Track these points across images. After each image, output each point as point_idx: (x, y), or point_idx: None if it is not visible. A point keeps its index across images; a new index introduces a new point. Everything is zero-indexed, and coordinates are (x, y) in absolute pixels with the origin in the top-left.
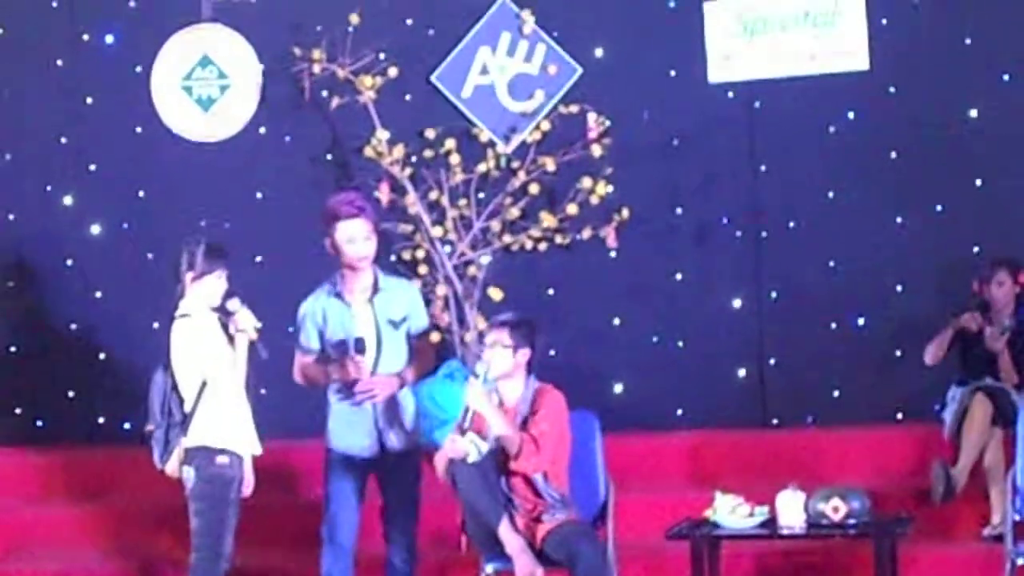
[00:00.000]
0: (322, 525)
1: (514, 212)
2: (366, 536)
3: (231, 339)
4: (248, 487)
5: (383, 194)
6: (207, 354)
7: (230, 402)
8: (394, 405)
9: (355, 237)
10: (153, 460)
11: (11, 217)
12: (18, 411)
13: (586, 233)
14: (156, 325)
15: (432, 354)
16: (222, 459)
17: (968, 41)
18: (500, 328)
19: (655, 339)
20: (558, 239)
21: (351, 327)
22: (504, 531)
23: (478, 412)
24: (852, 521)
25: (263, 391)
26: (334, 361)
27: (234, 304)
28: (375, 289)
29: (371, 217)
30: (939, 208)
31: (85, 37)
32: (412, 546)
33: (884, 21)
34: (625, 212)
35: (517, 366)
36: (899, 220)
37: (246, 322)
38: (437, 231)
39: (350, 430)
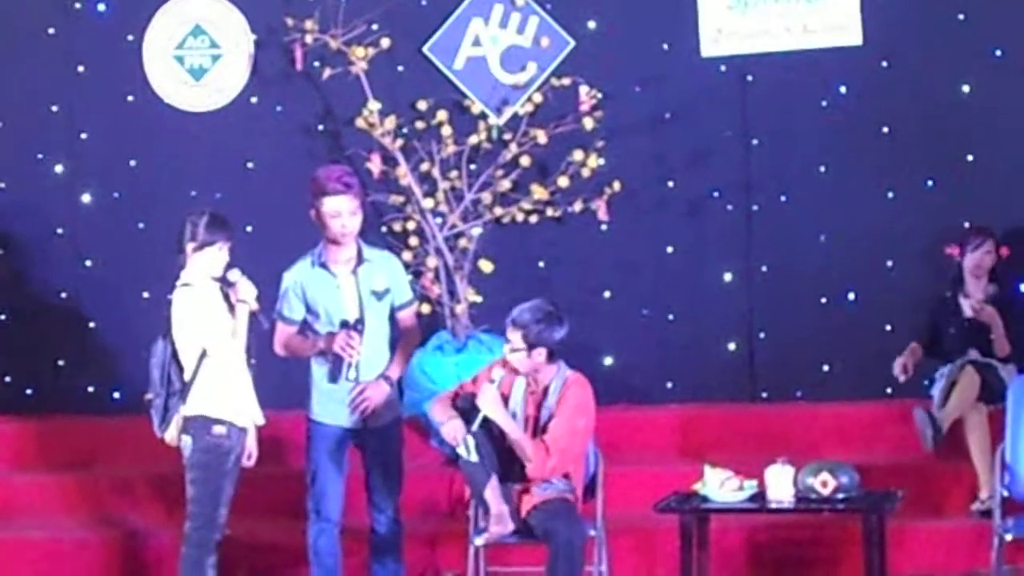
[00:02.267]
0: (308, 499)
1: (505, 184)
2: (351, 508)
3: (232, 309)
4: (251, 458)
5: (374, 165)
6: (207, 324)
7: (230, 372)
8: (375, 381)
9: (341, 212)
10: (151, 428)
11: (1, 185)
12: (7, 379)
13: (577, 206)
14: (146, 294)
15: (418, 330)
16: (219, 429)
17: (961, 16)
18: (514, 329)
19: (645, 312)
20: (549, 212)
21: (336, 297)
22: (489, 493)
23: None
24: (841, 496)
25: (252, 361)
26: (321, 336)
27: (235, 275)
28: (359, 260)
29: (358, 193)
30: (930, 183)
31: (77, 5)
32: (396, 516)
33: None
34: (616, 185)
35: (534, 365)
36: (890, 195)
37: (247, 292)
38: (428, 203)
39: (332, 404)
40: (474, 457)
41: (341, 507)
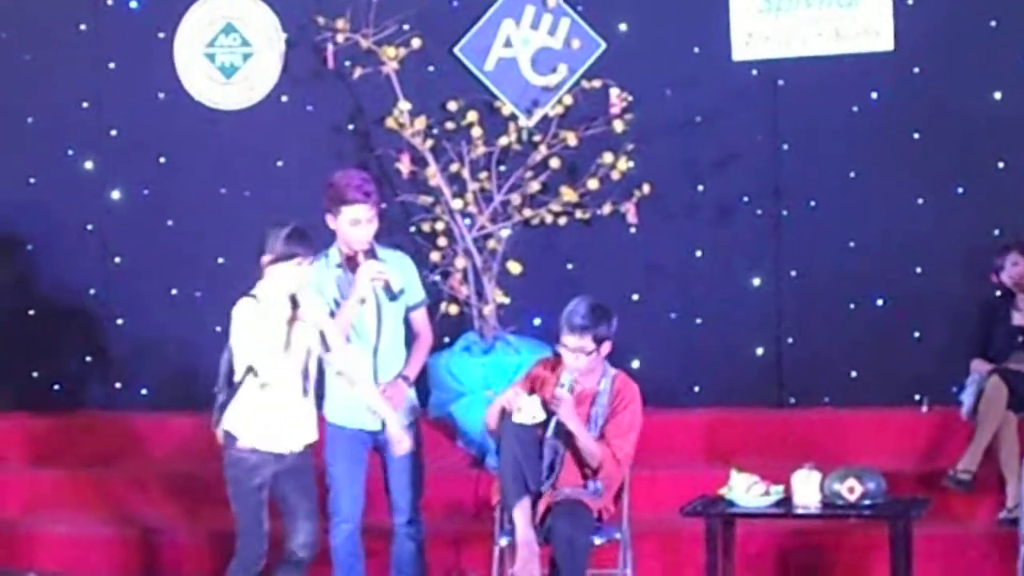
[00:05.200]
0: (328, 501)
1: (535, 186)
2: (372, 507)
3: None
4: (402, 446)
5: (404, 165)
6: (256, 340)
7: (272, 395)
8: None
9: (360, 220)
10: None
11: (32, 181)
12: (35, 375)
13: (606, 208)
14: (174, 291)
15: (430, 330)
16: (244, 444)
17: (993, 23)
18: (582, 334)
19: (673, 316)
20: (578, 214)
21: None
22: (518, 516)
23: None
24: (867, 502)
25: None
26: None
27: (303, 294)
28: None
29: (376, 201)
30: (960, 190)
31: (109, 2)
32: (418, 517)
33: (910, 1)
34: (646, 188)
35: (599, 361)
36: (920, 201)
37: (310, 312)
38: (457, 203)
39: (351, 406)
40: (541, 418)
41: (361, 509)
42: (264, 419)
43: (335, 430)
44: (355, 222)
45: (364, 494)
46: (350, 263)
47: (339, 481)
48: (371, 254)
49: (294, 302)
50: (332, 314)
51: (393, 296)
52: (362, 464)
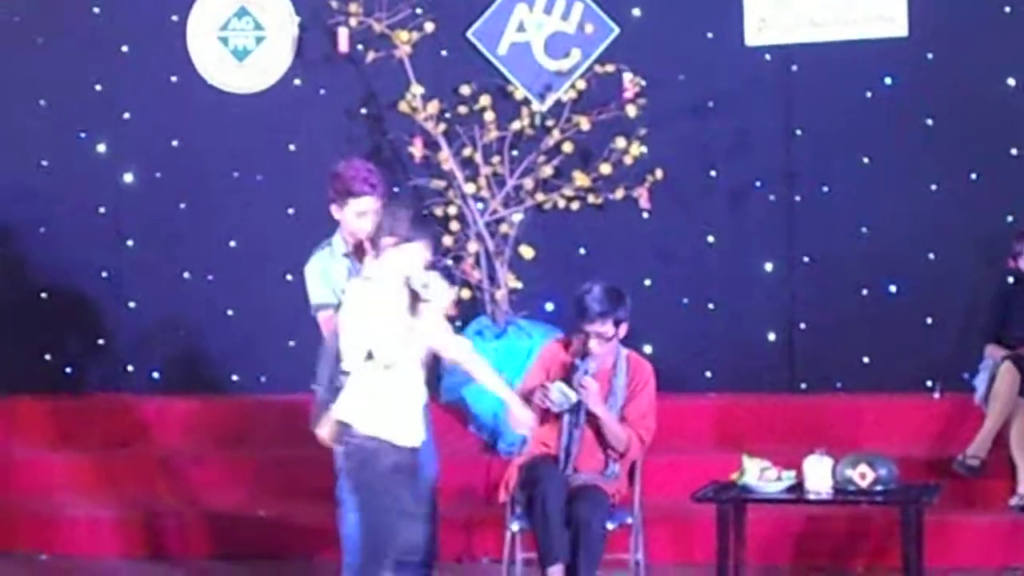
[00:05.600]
0: (337, 488)
1: (547, 171)
2: None
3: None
4: (525, 427)
5: (416, 150)
6: (378, 323)
7: (394, 382)
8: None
9: (365, 212)
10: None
11: (44, 163)
12: (48, 357)
13: (619, 193)
14: (187, 275)
15: None
16: (364, 431)
17: (1007, 9)
18: (603, 320)
19: (686, 301)
20: (591, 199)
21: None
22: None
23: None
24: (879, 488)
25: (291, 343)
26: None
27: (430, 277)
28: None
29: (382, 193)
30: (973, 176)
31: None
32: (433, 502)
33: None
34: (659, 173)
35: (615, 342)
36: (933, 187)
37: (439, 294)
38: (470, 188)
39: None
40: (573, 398)
41: None
42: (385, 405)
43: None
44: (361, 214)
45: None
46: (357, 252)
47: None
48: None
49: (416, 284)
50: (338, 307)
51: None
52: None
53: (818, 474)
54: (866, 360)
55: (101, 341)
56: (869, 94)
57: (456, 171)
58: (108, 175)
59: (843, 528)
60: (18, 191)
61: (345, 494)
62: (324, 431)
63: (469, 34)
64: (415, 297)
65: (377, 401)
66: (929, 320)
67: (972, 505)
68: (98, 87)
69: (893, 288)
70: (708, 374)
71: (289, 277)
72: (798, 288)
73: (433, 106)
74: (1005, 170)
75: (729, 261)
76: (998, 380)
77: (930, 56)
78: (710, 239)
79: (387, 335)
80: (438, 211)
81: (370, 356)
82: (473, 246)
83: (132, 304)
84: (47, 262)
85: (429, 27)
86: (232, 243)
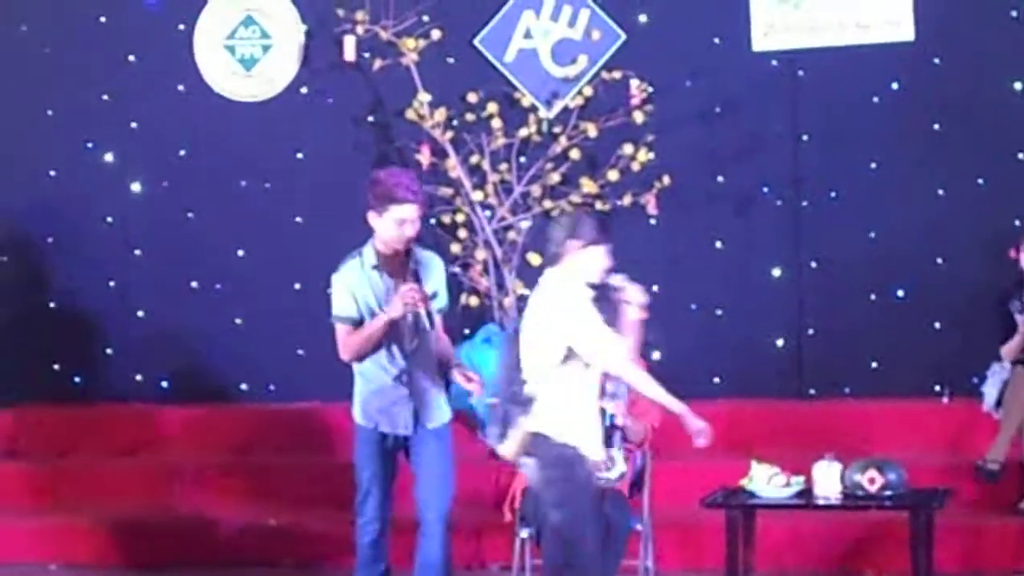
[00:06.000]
0: (359, 503)
1: (555, 177)
2: (400, 498)
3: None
4: (703, 437)
5: (424, 157)
6: (588, 326)
7: (583, 392)
8: (428, 384)
9: (405, 220)
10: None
11: (52, 173)
12: (56, 367)
13: (627, 200)
14: (194, 284)
15: (444, 335)
16: (562, 439)
17: (1014, 14)
18: None
19: (694, 307)
20: (598, 205)
21: (386, 300)
22: None
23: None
24: (888, 493)
25: (299, 352)
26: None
27: (619, 279)
28: (413, 263)
29: (424, 201)
30: (981, 181)
31: None
32: (447, 517)
33: None
34: (666, 179)
35: None
36: (940, 192)
37: (636, 296)
38: (478, 195)
39: (387, 410)
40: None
41: (390, 511)
42: (577, 415)
43: (368, 433)
44: (401, 222)
45: (393, 493)
46: (388, 264)
47: (369, 483)
48: (408, 254)
49: (602, 288)
50: (360, 321)
51: (431, 318)
52: (393, 467)
53: (827, 479)
54: (875, 365)
55: (109, 350)
56: (876, 99)
57: (464, 178)
58: (116, 185)
59: (853, 533)
60: (26, 201)
61: (543, 508)
62: (510, 446)
63: (476, 41)
64: (607, 298)
65: (570, 410)
66: (937, 325)
67: (982, 509)
68: (105, 97)
69: (901, 293)
70: (716, 380)
71: (297, 286)
72: (806, 293)
73: (440, 113)
74: (1013, 174)
75: (737, 267)
76: (1012, 386)
77: (937, 61)
78: (718, 245)
79: (595, 333)
80: (446, 219)
81: (566, 359)
82: (481, 253)
83: (140, 313)
84: (55, 272)
85: (436, 34)
86: (240, 252)
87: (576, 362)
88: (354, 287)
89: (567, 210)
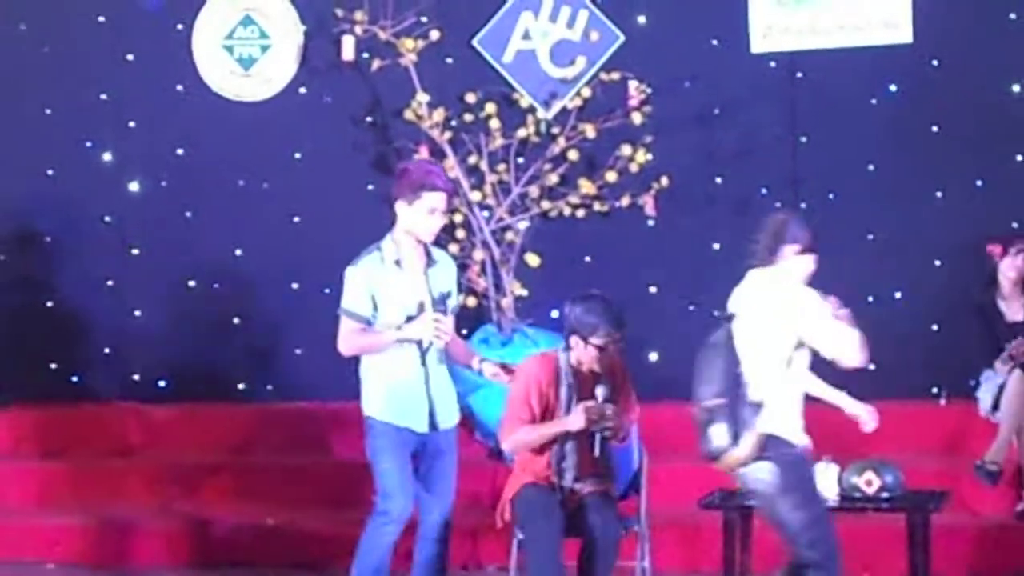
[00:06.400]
0: (380, 503)
1: (553, 178)
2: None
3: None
4: None
5: (422, 157)
6: (822, 325)
7: (798, 391)
8: (444, 383)
9: (436, 209)
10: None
11: (50, 172)
12: (53, 366)
13: (625, 201)
14: (192, 283)
15: (461, 340)
16: (796, 439)
17: (1012, 16)
18: (617, 330)
19: (691, 308)
20: (596, 206)
21: (407, 298)
22: None
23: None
24: (885, 495)
25: (297, 351)
26: (399, 327)
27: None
28: (429, 260)
29: (453, 191)
30: (979, 183)
31: None
32: (449, 516)
33: None
34: (664, 180)
35: None
36: (939, 194)
37: (832, 310)
38: (476, 196)
39: (406, 406)
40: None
41: (411, 511)
42: (797, 415)
43: (387, 428)
44: (433, 210)
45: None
46: (407, 259)
47: (393, 480)
48: (426, 253)
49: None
50: (369, 322)
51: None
52: (410, 465)
53: (824, 481)
54: (871, 367)
55: (107, 350)
56: (874, 101)
57: (462, 179)
58: (114, 184)
59: (850, 535)
60: (25, 201)
61: (776, 510)
62: (744, 449)
63: (475, 42)
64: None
65: (794, 410)
66: (935, 327)
67: (979, 512)
68: (103, 96)
69: (898, 294)
70: None
71: (295, 285)
72: None
73: (439, 114)
74: (1011, 177)
75: (735, 268)
76: (1008, 388)
77: (935, 63)
78: (716, 246)
79: (834, 328)
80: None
81: (791, 359)
82: (479, 254)
83: (138, 312)
84: (53, 271)
85: (434, 35)
86: (238, 251)
87: (799, 362)
88: (372, 282)
89: (777, 216)
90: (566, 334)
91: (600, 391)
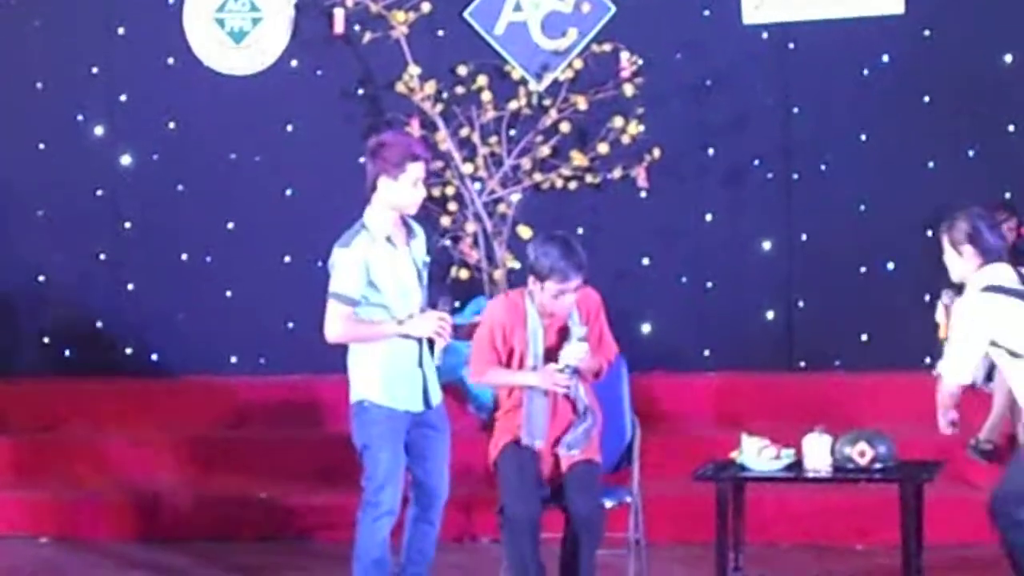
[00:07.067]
0: (373, 494)
1: (545, 150)
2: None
3: None
4: None
5: (414, 130)
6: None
7: None
8: (430, 359)
9: (419, 179)
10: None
11: (41, 146)
12: (46, 340)
13: (617, 173)
14: (184, 256)
15: None
16: None
17: None
18: (579, 273)
19: (684, 280)
20: (588, 178)
21: (399, 273)
22: None
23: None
24: (878, 466)
25: (290, 325)
26: (386, 320)
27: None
28: (409, 232)
29: (430, 159)
30: (971, 153)
31: None
32: (443, 497)
33: None
34: (656, 152)
35: None
36: (931, 164)
37: None
38: (467, 168)
39: (404, 388)
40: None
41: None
42: None
43: (382, 412)
44: (416, 181)
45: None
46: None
47: (387, 471)
48: (405, 224)
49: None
50: (358, 303)
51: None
52: (403, 452)
53: (817, 452)
54: (864, 338)
55: (99, 324)
56: (866, 71)
57: (454, 151)
58: (105, 158)
59: (843, 506)
60: (16, 174)
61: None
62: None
63: (466, 14)
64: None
65: None
66: (927, 297)
67: (971, 482)
68: (95, 70)
69: (891, 265)
70: (707, 353)
71: (287, 259)
72: (796, 266)
73: (430, 86)
74: (1002, 146)
75: (727, 240)
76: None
77: (927, 33)
78: (708, 218)
79: None
80: (436, 192)
81: (1014, 354)
82: (471, 226)
83: (130, 287)
84: (45, 245)
85: (426, 7)
86: (230, 225)
87: None
88: (371, 263)
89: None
90: (527, 275)
91: (575, 331)
